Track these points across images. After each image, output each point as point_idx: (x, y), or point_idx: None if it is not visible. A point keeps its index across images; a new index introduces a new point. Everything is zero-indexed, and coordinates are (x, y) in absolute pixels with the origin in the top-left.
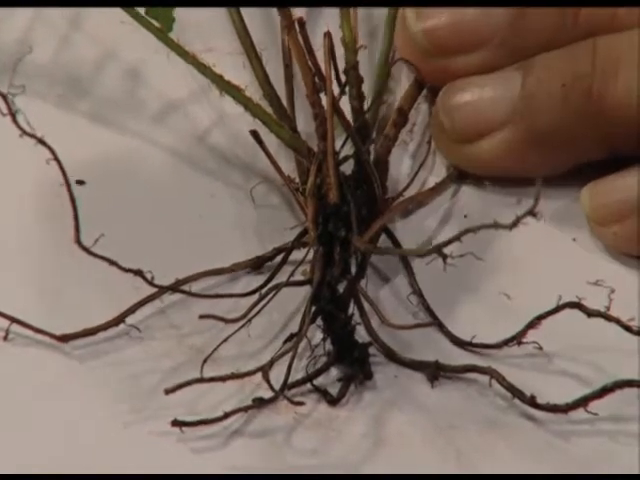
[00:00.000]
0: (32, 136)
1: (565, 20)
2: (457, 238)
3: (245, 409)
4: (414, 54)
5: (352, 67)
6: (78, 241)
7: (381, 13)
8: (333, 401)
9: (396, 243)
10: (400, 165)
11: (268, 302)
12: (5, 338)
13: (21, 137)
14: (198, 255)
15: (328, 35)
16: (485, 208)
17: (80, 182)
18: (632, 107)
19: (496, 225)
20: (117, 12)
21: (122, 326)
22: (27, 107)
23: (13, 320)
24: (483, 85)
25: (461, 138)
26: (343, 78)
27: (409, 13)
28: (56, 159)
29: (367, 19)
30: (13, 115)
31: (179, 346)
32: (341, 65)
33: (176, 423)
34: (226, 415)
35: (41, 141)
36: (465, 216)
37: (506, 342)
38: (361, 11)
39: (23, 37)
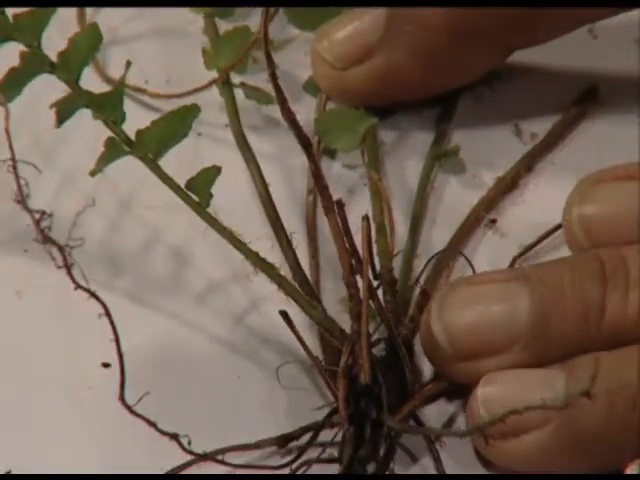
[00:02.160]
0: (87, 290)
1: (588, 326)
2: (501, 419)
3: None
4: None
5: (387, 271)
6: (122, 398)
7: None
8: None
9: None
10: None
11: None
12: None
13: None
14: (225, 434)
15: (366, 219)
16: None
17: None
18: None
19: (530, 407)
20: (165, 191)
21: None
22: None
23: None
24: (525, 385)
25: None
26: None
27: (433, 310)
28: (108, 314)
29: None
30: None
31: None
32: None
33: None
34: None
35: (94, 295)
36: None
37: None
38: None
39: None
